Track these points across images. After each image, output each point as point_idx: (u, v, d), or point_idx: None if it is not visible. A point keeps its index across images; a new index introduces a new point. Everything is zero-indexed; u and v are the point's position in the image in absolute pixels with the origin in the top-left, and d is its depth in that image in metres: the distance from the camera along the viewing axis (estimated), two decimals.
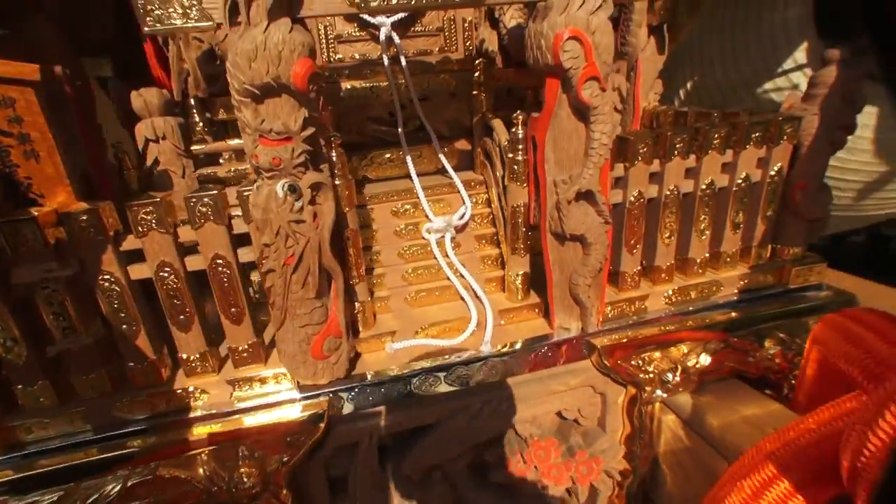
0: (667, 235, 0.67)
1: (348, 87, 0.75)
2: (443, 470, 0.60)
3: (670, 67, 1.37)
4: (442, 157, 0.76)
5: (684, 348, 0.66)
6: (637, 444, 0.67)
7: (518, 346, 0.62)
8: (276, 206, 0.48)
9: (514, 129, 0.61)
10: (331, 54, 0.74)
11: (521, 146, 0.61)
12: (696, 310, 0.69)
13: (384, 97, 0.76)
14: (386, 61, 0.72)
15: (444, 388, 0.60)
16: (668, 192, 0.65)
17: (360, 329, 0.64)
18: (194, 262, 0.52)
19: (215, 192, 0.49)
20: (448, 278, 0.69)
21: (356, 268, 0.61)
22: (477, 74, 0.74)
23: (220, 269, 0.52)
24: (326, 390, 0.57)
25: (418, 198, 0.72)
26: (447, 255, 0.70)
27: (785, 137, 0.66)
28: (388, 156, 0.79)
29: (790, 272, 0.72)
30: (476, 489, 0.62)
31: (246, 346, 0.57)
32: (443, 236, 0.71)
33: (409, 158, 0.73)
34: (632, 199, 0.63)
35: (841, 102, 0.64)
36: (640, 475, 0.69)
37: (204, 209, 0.49)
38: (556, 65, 0.51)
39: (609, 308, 0.66)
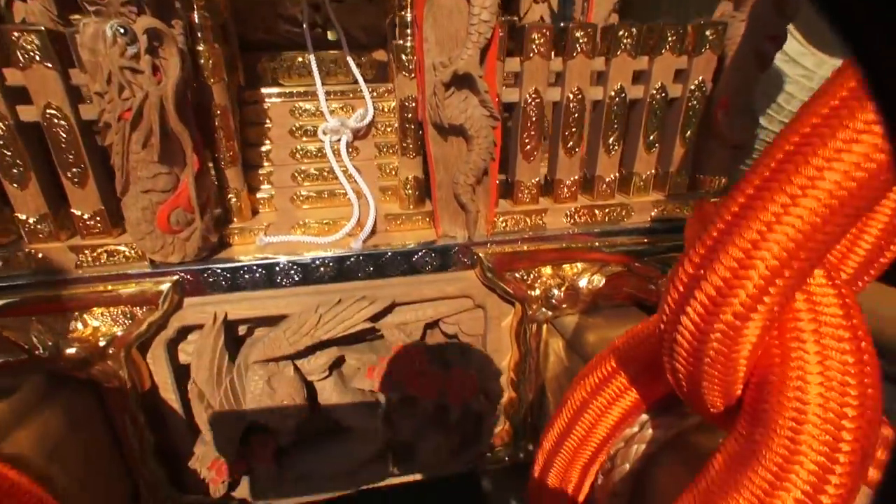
0: (570, 145, 0.62)
1: None
2: (295, 364, 0.57)
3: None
4: (350, 59, 0.72)
5: (578, 267, 0.62)
6: (524, 369, 0.63)
7: (392, 247, 0.59)
8: (104, 48, 0.44)
9: (402, 12, 0.57)
10: None
11: (409, 31, 0.56)
12: (600, 232, 0.64)
13: None
14: None
15: (303, 281, 0.56)
16: (570, 95, 0.60)
17: (235, 219, 0.61)
18: (28, 113, 0.49)
19: (43, 27, 0.46)
20: (339, 181, 0.66)
21: (226, 150, 0.58)
22: None
23: (55, 120, 0.49)
24: (178, 269, 0.54)
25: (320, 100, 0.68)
26: (342, 159, 0.66)
27: (707, 46, 0.61)
28: (300, 59, 0.75)
29: None
30: (339, 393, 0.59)
31: (92, 214, 0.54)
32: (339, 139, 0.67)
33: (312, 57, 0.70)
34: (527, 97, 0.59)
35: (771, 9, 0.58)
36: (527, 404, 0.65)
37: (29, 47, 0.46)
38: None
39: (501, 219, 0.62)
